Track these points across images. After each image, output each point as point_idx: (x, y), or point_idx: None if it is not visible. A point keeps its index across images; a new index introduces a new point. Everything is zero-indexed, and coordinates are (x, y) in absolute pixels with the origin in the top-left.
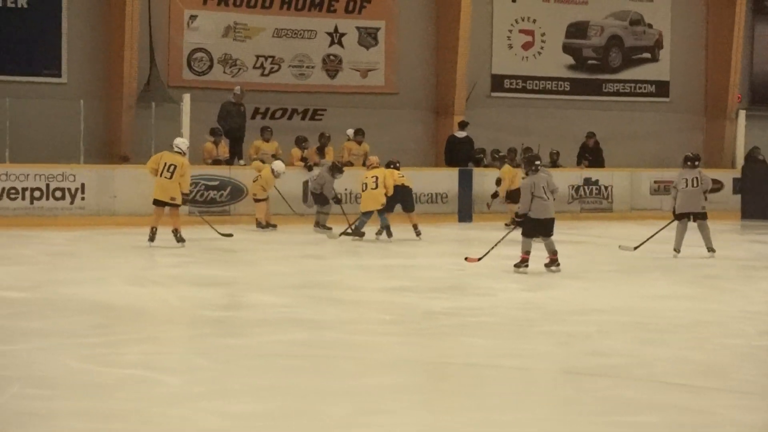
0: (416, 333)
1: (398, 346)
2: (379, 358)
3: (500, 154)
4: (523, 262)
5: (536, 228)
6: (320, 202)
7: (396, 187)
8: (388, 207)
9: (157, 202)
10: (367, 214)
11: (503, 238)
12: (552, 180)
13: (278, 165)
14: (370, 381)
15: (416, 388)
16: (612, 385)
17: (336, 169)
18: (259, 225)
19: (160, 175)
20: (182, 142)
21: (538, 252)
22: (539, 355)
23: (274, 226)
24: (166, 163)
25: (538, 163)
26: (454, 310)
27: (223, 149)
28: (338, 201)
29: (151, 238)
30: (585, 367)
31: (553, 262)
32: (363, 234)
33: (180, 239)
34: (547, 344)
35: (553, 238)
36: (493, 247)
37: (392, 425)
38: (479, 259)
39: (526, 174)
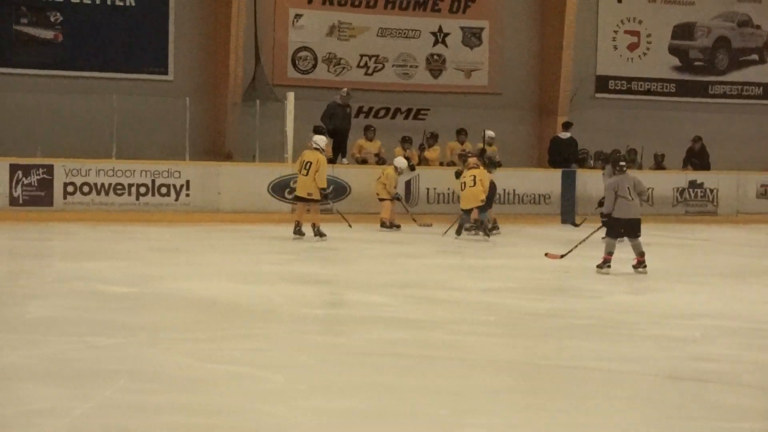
0: (518, 334)
1: (500, 347)
2: (480, 358)
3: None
4: (606, 263)
5: (620, 228)
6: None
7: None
8: (486, 204)
9: (297, 198)
10: (468, 212)
11: (587, 238)
12: (641, 183)
13: (400, 161)
14: (472, 381)
15: (517, 390)
16: (717, 391)
17: (492, 164)
18: (383, 225)
19: (299, 172)
20: (320, 139)
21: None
22: (643, 359)
23: (398, 226)
24: (304, 161)
25: (623, 164)
26: (557, 312)
27: (327, 148)
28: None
29: (296, 232)
30: (689, 372)
31: (640, 263)
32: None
33: (318, 233)
34: (651, 348)
35: (656, 240)
36: (576, 247)
37: (493, 426)
38: (561, 257)
39: (613, 174)
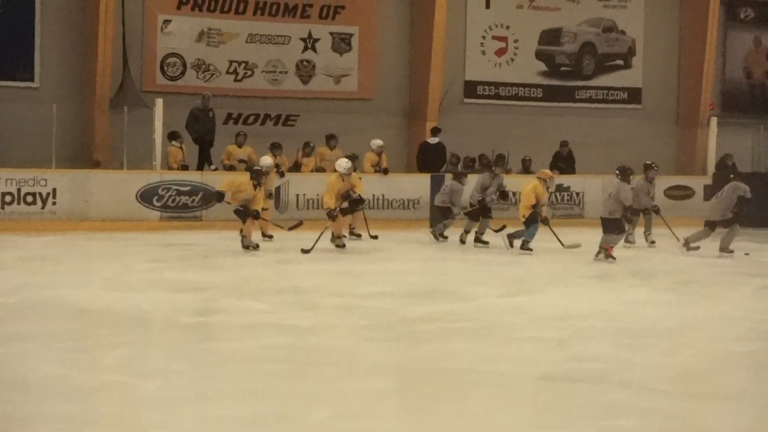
0: (397, 338)
1: (379, 351)
2: (359, 363)
3: None
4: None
5: None
6: (446, 215)
7: None
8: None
9: None
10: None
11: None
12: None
13: (264, 159)
14: (351, 386)
15: (397, 393)
16: (591, 390)
17: (462, 175)
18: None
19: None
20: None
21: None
22: (519, 360)
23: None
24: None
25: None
26: (434, 315)
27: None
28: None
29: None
30: (565, 372)
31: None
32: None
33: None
34: (526, 349)
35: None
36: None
37: (373, 430)
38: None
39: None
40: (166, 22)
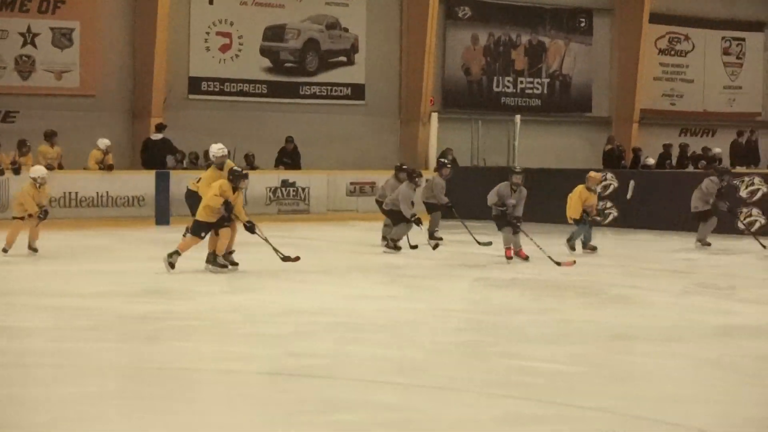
0: (120, 338)
1: (101, 352)
2: (81, 364)
3: None
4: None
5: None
6: (396, 221)
7: None
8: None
9: None
10: None
11: None
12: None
13: (38, 170)
14: (72, 388)
15: (121, 394)
16: (313, 386)
17: (416, 174)
18: (5, 250)
19: None
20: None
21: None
22: (243, 357)
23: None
24: None
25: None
26: (158, 314)
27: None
28: (418, 222)
29: None
30: (287, 367)
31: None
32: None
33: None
34: (249, 346)
35: (253, 239)
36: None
37: None
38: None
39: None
40: None
